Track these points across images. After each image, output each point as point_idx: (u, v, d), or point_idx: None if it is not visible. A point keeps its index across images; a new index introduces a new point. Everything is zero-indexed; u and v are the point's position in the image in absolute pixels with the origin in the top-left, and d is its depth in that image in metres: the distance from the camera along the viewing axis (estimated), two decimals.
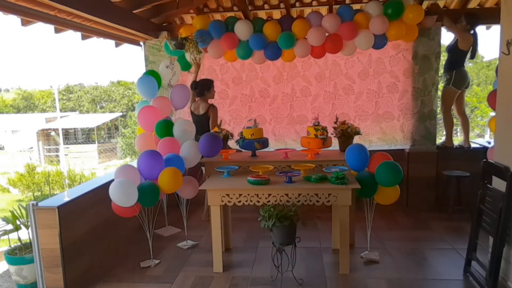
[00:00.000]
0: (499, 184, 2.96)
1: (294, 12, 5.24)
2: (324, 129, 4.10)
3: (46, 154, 24.20)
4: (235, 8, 5.10)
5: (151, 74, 3.97)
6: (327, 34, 4.34)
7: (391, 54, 5.05)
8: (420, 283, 3.21)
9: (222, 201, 3.31)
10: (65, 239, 3.10)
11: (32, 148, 24.58)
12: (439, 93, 5.12)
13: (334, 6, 4.96)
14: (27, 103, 34.52)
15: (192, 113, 4.67)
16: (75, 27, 4.08)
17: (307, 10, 5.21)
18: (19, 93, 35.48)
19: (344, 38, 4.30)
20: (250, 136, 4.16)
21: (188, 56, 4.43)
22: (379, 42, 4.35)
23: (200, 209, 4.91)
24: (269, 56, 4.50)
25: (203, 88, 4.59)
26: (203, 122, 4.54)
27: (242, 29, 4.39)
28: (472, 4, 4.93)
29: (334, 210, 3.75)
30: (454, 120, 5.51)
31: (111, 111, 31.08)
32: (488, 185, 3.13)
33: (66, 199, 3.24)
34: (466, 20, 4.72)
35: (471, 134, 5.71)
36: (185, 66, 4.54)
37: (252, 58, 4.62)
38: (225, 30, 4.48)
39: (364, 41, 4.29)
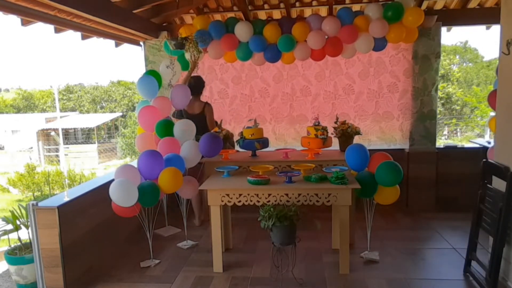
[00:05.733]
0: (499, 184, 2.96)
1: (294, 12, 5.24)
2: (324, 129, 4.10)
3: (46, 154, 24.20)
4: (235, 8, 5.10)
5: (152, 74, 3.97)
6: (326, 37, 4.33)
7: (391, 54, 5.05)
8: (420, 283, 3.21)
9: (222, 201, 3.31)
10: (65, 239, 3.10)
11: (32, 148, 24.57)
12: (439, 93, 5.11)
13: (334, 6, 4.96)
14: (27, 103, 34.51)
15: (186, 112, 4.51)
16: (75, 27, 4.08)
17: (307, 10, 5.21)
18: (19, 93, 35.46)
19: (344, 41, 4.30)
20: (250, 136, 4.16)
21: (188, 56, 4.43)
22: (379, 44, 4.35)
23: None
24: (269, 58, 4.50)
25: (200, 86, 4.56)
26: (200, 121, 4.47)
27: (242, 31, 4.39)
28: (472, 4, 4.93)
29: (334, 210, 3.75)
30: (454, 120, 5.49)
31: (111, 111, 31.08)
32: (488, 185, 3.13)
33: (66, 199, 3.24)
34: None
35: (471, 134, 5.67)
36: (185, 66, 4.53)
37: (251, 59, 4.62)
38: (225, 31, 4.47)
39: (364, 44, 4.28)
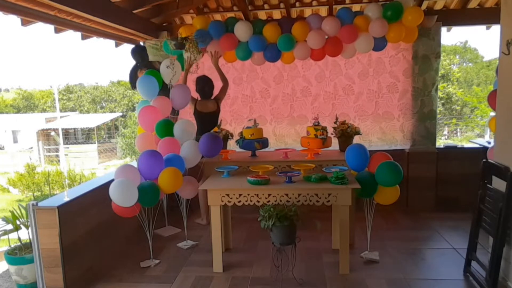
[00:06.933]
0: (499, 184, 2.96)
1: (294, 12, 5.24)
2: (324, 129, 4.10)
3: (46, 154, 24.18)
4: (235, 8, 5.10)
5: (152, 74, 3.97)
6: (326, 37, 4.33)
7: (391, 54, 5.05)
8: (420, 283, 3.22)
9: (222, 201, 3.31)
10: (65, 239, 3.10)
11: (32, 148, 24.56)
12: (439, 93, 5.11)
13: (334, 6, 4.96)
14: (27, 103, 34.52)
15: (199, 112, 4.53)
16: (75, 27, 4.08)
17: (307, 10, 5.21)
18: (19, 93, 35.47)
19: (344, 41, 4.30)
20: (250, 136, 4.16)
21: (187, 56, 4.40)
22: (379, 44, 4.35)
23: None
24: (269, 57, 4.48)
25: (213, 88, 4.62)
26: (216, 118, 4.55)
27: (242, 30, 4.37)
28: (472, 4, 4.93)
29: (334, 210, 3.75)
30: (454, 120, 5.51)
31: (111, 111, 31.08)
32: (488, 185, 3.13)
33: (66, 199, 3.24)
34: None
35: (471, 134, 5.70)
36: None
37: (251, 59, 4.60)
38: (225, 31, 4.46)
39: (364, 44, 4.28)
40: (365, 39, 4.25)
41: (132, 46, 5.05)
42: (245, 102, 5.39)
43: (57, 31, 4.13)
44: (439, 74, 5.03)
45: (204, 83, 4.60)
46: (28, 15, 3.47)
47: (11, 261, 3.32)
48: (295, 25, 4.30)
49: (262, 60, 4.56)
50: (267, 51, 4.43)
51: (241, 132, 4.29)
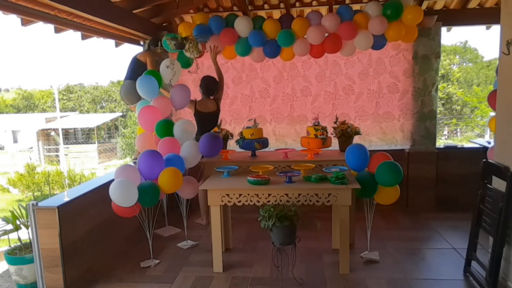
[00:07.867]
0: (499, 184, 2.96)
1: (294, 12, 5.24)
2: (324, 129, 4.10)
3: (46, 154, 24.19)
4: (235, 8, 5.10)
5: (152, 74, 3.96)
6: (326, 34, 4.33)
7: (391, 54, 5.05)
8: (420, 283, 3.21)
9: (222, 201, 3.31)
10: (65, 239, 3.10)
11: (32, 148, 24.57)
12: (440, 93, 5.11)
13: (334, 6, 4.96)
14: (27, 103, 34.54)
15: (199, 112, 4.51)
16: (75, 27, 4.08)
17: (307, 10, 5.20)
18: (19, 93, 35.50)
19: (344, 38, 4.29)
20: (250, 136, 4.16)
21: (188, 55, 4.40)
22: (378, 42, 4.34)
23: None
24: (268, 53, 4.45)
25: (216, 86, 4.61)
26: (216, 118, 4.55)
27: (242, 25, 4.33)
28: (472, 4, 4.93)
29: (334, 210, 3.75)
30: (454, 120, 5.52)
31: (111, 111, 31.09)
32: (488, 185, 3.13)
33: (66, 199, 3.24)
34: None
35: (471, 134, 5.70)
36: (185, 64, 4.51)
37: (251, 55, 4.56)
38: (225, 26, 4.43)
39: (363, 41, 4.27)
40: (364, 36, 4.24)
41: (132, 45, 5.06)
42: (244, 102, 5.38)
43: (57, 31, 4.12)
44: (439, 74, 5.04)
45: (208, 82, 4.61)
46: (28, 15, 3.47)
47: (11, 261, 3.32)
48: (295, 21, 4.28)
49: (261, 56, 4.52)
50: (267, 47, 4.39)
51: (241, 132, 4.29)
